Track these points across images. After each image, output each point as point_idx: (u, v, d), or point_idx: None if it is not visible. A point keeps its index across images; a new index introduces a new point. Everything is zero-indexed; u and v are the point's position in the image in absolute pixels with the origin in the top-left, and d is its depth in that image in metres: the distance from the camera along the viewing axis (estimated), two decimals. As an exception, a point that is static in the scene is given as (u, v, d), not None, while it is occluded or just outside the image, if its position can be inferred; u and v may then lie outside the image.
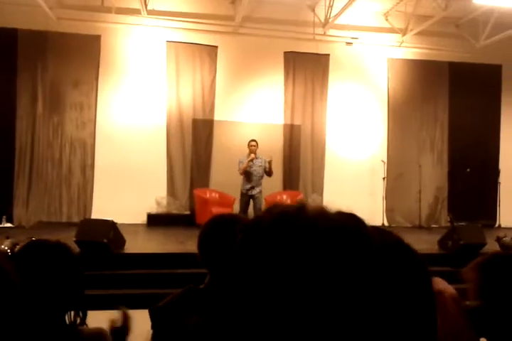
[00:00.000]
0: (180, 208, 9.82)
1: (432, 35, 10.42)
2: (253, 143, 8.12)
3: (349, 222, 0.53)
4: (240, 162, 8.11)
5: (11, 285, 0.65)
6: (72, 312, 1.51)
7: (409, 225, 10.31)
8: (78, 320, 1.51)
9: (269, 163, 8.05)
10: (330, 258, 0.49)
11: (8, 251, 5.42)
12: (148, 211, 9.55)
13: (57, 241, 1.55)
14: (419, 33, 10.18)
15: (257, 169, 8.07)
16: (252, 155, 8.00)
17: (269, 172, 8.13)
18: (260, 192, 8.15)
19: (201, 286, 1.65)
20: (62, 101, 9.49)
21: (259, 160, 8.11)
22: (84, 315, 1.53)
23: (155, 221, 9.37)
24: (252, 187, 8.07)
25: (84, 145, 9.57)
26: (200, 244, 1.65)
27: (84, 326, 1.53)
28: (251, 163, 8.02)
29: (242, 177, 8.18)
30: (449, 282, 1.32)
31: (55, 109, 9.47)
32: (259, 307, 0.50)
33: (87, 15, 9.24)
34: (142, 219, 9.42)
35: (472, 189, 10.63)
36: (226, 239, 1.61)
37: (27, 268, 1.41)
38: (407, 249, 0.55)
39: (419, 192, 10.11)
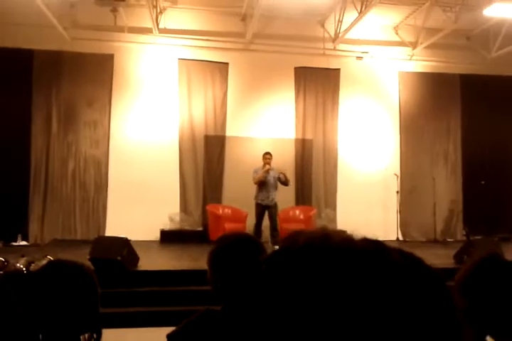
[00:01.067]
0: (194, 224, 9.82)
1: (443, 48, 10.42)
2: (268, 156, 8.19)
3: (375, 249, 0.54)
4: (255, 172, 8.14)
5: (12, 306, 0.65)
6: (87, 334, 1.50)
7: (424, 239, 10.18)
8: None
9: (284, 174, 8.11)
10: (357, 286, 0.50)
11: (24, 269, 5.45)
12: (162, 227, 9.57)
13: (75, 263, 1.55)
14: (430, 46, 10.19)
15: (271, 179, 8.10)
16: (268, 166, 8.04)
17: (285, 182, 8.17)
18: (275, 202, 8.14)
19: (218, 308, 1.63)
20: (76, 120, 9.62)
21: (273, 171, 8.14)
22: (99, 336, 1.52)
23: (168, 237, 9.37)
24: (267, 197, 8.07)
25: (98, 162, 9.66)
26: (211, 265, 1.64)
27: None
28: (267, 175, 8.05)
29: (255, 188, 8.18)
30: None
31: (70, 127, 9.60)
32: (286, 333, 0.50)
33: (101, 34, 9.42)
34: (155, 235, 9.43)
35: (487, 202, 10.50)
36: (237, 260, 1.60)
37: (45, 288, 1.41)
38: (431, 273, 0.55)
39: (434, 205, 10.00)
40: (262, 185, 8.08)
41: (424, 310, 0.51)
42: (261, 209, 8.10)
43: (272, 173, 8.11)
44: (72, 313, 1.43)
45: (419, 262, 0.55)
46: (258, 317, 0.53)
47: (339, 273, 0.50)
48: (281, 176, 8.09)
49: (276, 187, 8.17)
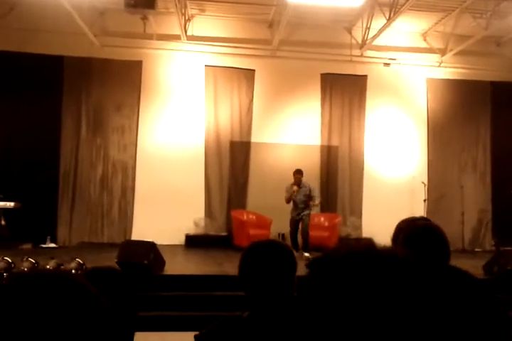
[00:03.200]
0: (218, 229, 9.86)
1: (472, 55, 10.28)
2: (298, 175, 8.25)
3: (417, 261, 0.55)
4: (286, 190, 8.31)
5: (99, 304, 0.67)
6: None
7: (451, 249, 9.93)
8: None
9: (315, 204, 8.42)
10: (400, 296, 0.51)
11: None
12: (187, 232, 9.63)
13: (114, 269, 1.58)
14: (459, 53, 10.06)
15: (301, 198, 8.25)
16: (295, 188, 8.15)
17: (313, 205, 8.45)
18: (307, 214, 8.32)
19: (244, 315, 1.64)
20: (104, 125, 9.79)
21: (304, 189, 8.23)
22: (131, 339, 1.55)
23: (193, 242, 9.44)
24: (298, 214, 8.28)
25: (126, 167, 9.80)
26: (241, 272, 1.65)
27: None
28: (295, 195, 8.21)
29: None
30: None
31: (98, 132, 9.77)
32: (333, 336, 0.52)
33: (130, 41, 9.58)
34: (180, 240, 9.50)
35: (518, 211, 10.26)
36: (267, 266, 1.61)
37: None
38: (476, 285, 0.55)
39: (462, 214, 9.82)
40: (294, 203, 8.32)
41: (476, 319, 0.51)
42: (295, 222, 8.32)
43: (301, 191, 8.23)
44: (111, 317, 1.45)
45: (461, 273, 0.55)
46: (303, 321, 0.54)
47: (380, 280, 0.51)
48: (313, 200, 8.34)
49: (306, 204, 8.30)
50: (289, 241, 8.31)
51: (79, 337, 0.60)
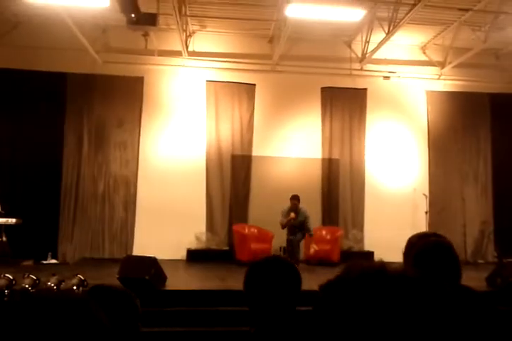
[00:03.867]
0: (220, 244, 9.83)
1: (472, 67, 10.34)
2: (294, 201, 8.35)
3: (429, 282, 0.56)
4: (282, 214, 8.38)
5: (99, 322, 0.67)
6: None
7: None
8: None
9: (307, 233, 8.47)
10: (415, 316, 0.52)
11: (55, 287, 5.52)
12: (188, 246, 9.60)
13: (118, 288, 1.58)
14: (458, 65, 10.13)
15: (298, 224, 8.38)
16: (292, 215, 8.25)
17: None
18: (301, 235, 8.45)
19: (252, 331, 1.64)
20: (106, 140, 9.83)
21: (301, 215, 8.36)
22: None
23: (194, 256, 9.41)
24: (294, 237, 8.38)
25: (127, 182, 9.82)
26: (247, 289, 1.66)
27: None
28: (292, 222, 8.31)
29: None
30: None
31: (100, 147, 9.81)
32: None
33: (131, 58, 9.67)
34: (182, 254, 9.47)
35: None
36: (271, 282, 1.61)
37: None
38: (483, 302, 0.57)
39: (464, 226, 9.79)
40: (289, 228, 8.40)
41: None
42: (289, 245, 8.35)
43: (298, 218, 8.32)
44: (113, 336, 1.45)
45: (471, 292, 0.57)
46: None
47: (395, 299, 0.52)
48: (307, 228, 8.43)
49: (302, 227, 8.41)
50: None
51: None
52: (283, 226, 8.37)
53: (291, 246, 8.30)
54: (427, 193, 10.21)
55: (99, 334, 0.65)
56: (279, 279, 1.63)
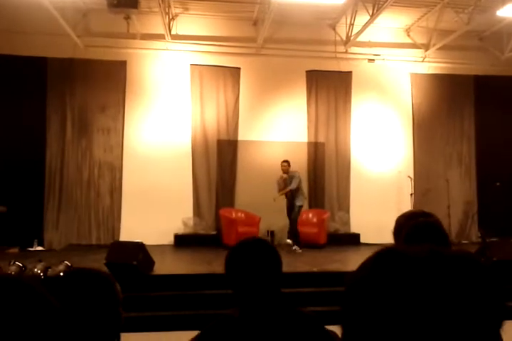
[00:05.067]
0: (207, 228, 9.85)
1: (455, 49, 10.36)
2: (284, 163, 8.60)
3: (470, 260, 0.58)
4: (277, 183, 8.65)
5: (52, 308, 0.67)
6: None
7: (439, 242, 10.07)
8: None
9: (286, 192, 8.60)
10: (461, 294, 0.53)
11: (41, 274, 5.51)
12: (176, 232, 9.61)
13: (98, 271, 1.57)
14: (442, 48, 10.14)
15: (293, 191, 8.61)
16: (285, 176, 8.52)
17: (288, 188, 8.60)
18: (299, 206, 8.63)
19: (236, 314, 1.64)
20: (90, 126, 9.72)
21: (292, 176, 8.54)
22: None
23: (182, 242, 9.42)
24: (290, 203, 8.67)
25: (112, 168, 9.75)
26: (228, 270, 1.66)
27: None
28: (287, 182, 8.54)
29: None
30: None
31: (84, 133, 9.70)
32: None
33: (113, 42, 9.52)
34: (169, 240, 9.48)
35: (503, 203, 10.38)
36: (252, 263, 1.62)
37: (68, 295, 1.42)
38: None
39: (448, 207, 9.92)
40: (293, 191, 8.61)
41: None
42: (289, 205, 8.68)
43: (290, 179, 8.53)
44: (92, 320, 1.44)
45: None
46: (370, 322, 0.55)
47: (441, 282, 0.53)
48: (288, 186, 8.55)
49: (298, 190, 8.61)
50: (281, 237, 8.63)
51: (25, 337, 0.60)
52: (281, 192, 8.57)
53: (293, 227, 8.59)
54: (412, 175, 10.31)
55: (44, 313, 0.65)
56: (258, 260, 1.63)
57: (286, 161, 8.63)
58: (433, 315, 0.51)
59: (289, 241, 8.54)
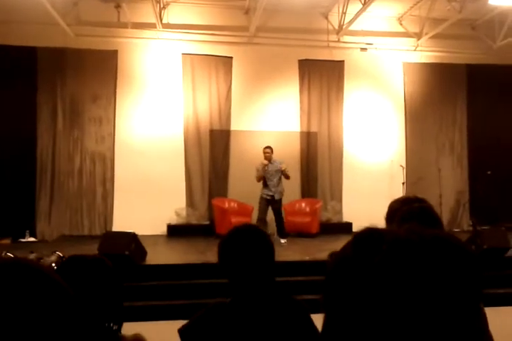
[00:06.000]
0: (200, 218, 9.86)
1: (448, 38, 10.34)
2: (267, 150, 8.20)
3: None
4: (257, 169, 8.18)
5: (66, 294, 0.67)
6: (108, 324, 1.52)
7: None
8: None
9: (283, 171, 8.09)
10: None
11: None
12: (168, 222, 9.62)
13: (95, 256, 1.58)
14: (435, 36, 10.12)
15: (274, 174, 8.12)
16: (265, 162, 8.05)
17: (286, 177, 8.20)
18: (280, 196, 8.18)
19: (227, 301, 1.65)
20: (81, 116, 9.65)
21: (275, 164, 8.13)
22: (120, 326, 1.55)
23: (175, 232, 9.43)
24: (270, 192, 8.10)
25: (104, 158, 9.70)
26: (221, 258, 1.66)
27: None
28: (266, 169, 8.06)
29: (261, 183, 8.24)
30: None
31: (75, 123, 9.63)
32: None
33: (104, 31, 9.41)
34: (162, 230, 9.48)
35: (494, 192, 10.45)
36: (246, 250, 1.62)
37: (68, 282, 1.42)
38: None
39: (440, 196, 9.97)
40: (265, 180, 8.14)
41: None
42: (265, 202, 8.13)
43: (273, 167, 8.11)
44: (95, 304, 1.45)
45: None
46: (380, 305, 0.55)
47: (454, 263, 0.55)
48: (283, 170, 8.10)
49: (280, 180, 8.19)
50: (274, 228, 8.30)
51: (40, 324, 0.60)
52: (259, 179, 8.11)
53: (264, 206, 8.08)
54: (404, 164, 10.34)
55: (59, 299, 0.65)
56: (251, 246, 1.63)
57: (269, 147, 8.22)
58: (410, 294, 0.52)
59: (282, 241, 8.06)
